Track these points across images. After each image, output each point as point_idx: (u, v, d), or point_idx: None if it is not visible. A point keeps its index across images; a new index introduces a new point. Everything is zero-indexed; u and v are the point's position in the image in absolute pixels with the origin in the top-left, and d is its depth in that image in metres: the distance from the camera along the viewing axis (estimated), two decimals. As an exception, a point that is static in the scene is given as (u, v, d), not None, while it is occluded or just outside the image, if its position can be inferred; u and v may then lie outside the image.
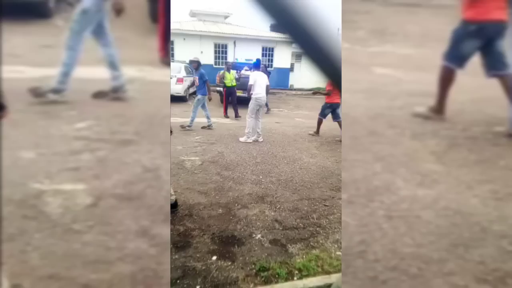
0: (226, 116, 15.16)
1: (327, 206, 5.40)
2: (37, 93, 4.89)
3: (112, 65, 5.18)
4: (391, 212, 3.07)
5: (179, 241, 4.08)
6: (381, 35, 8.41)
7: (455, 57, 4.68)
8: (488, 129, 4.57)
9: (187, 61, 19.57)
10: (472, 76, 4.76)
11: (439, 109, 4.85)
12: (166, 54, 6.92)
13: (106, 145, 3.96)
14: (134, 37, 7.31)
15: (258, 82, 10.26)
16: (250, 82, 10.41)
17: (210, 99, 12.23)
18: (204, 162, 7.49)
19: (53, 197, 3.11)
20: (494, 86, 4.58)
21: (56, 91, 4.95)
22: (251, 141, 9.98)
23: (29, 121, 4.37)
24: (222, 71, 16.69)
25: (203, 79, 11.52)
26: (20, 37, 7.14)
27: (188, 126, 11.28)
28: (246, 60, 20.33)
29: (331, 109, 10.94)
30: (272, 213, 5.05)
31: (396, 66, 6.78)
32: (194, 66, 11.81)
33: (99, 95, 5.13)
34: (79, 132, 4.20)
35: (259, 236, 4.36)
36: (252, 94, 10.27)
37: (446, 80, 4.78)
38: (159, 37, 7.02)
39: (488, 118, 4.89)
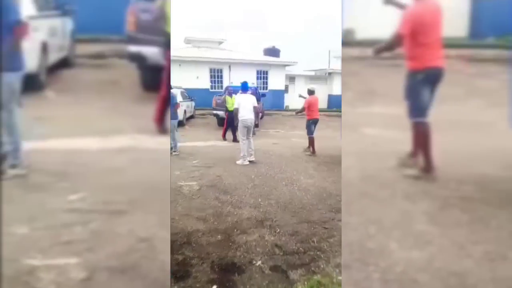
0: (224, 139, 15.07)
1: (327, 228, 5.23)
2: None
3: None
4: (386, 275, 3.06)
5: (178, 271, 3.91)
6: (370, 96, 8.55)
7: (419, 109, 4.88)
8: (479, 188, 4.61)
9: (183, 87, 19.92)
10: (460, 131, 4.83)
11: (427, 167, 4.90)
12: (162, 123, 7.00)
13: (99, 216, 3.95)
14: (126, 105, 7.39)
15: (243, 104, 10.50)
16: (235, 106, 10.80)
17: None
18: (202, 187, 7.40)
19: (46, 273, 3.07)
20: (478, 143, 4.64)
21: (14, 166, 4.92)
22: (247, 162, 10.15)
23: (21, 195, 4.36)
24: (222, 95, 16.88)
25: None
26: (12, 110, 7.19)
27: (174, 151, 11.32)
28: (241, 83, 20.69)
29: (314, 124, 11.63)
30: (272, 238, 4.91)
31: (385, 126, 6.86)
32: None
33: None
34: (72, 205, 4.19)
35: (259, 262, 4.22)
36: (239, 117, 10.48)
37: (423, 135, 4.89)
38: (158, 107, 7.11)
39: (478, 175, 4.95)
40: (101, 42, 11.31)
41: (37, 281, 2.98)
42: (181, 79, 25.74)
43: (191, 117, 20.64)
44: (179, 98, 18.55)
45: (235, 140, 14.56)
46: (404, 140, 5.81)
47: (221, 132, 16.26)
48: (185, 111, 19.12)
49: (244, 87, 11.39)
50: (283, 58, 34.92)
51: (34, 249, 3.37)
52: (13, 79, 4.83)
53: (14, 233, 3.61)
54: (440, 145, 4.98)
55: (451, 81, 5.16)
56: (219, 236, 4.95)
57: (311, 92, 12.35)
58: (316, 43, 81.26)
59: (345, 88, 9.22)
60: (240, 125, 10.50)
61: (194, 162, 10.11)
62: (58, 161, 5.28)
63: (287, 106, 32.50)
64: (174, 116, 11.66)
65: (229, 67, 30.47)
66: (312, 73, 34.84)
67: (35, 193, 4.44)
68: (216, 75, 30.60)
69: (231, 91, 16.58)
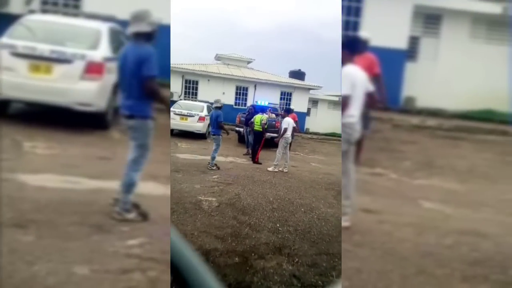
0: (258, 162, 14.25)
1: (347, 263, 5.16)
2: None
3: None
4: None
5: None
6: (428, 167, 8.47)
7: None
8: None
9: (210, 101, 20.35)
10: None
11: None
12: None
13: (157, 265, 4.00)
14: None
15: (289, 125, 12.81)
16: (284, 126, 12.88)
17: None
18: (221, 204, 7.44)
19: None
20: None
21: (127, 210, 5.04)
22: (277, 170, 12.49)
23: (85, 234, 4.46)
24: (245, 113, 17.29)
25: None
26: (77, 147, 7.45)
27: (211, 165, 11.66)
28: (269, 103, 20.70)
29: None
30: (290, 267, 4.86)
31: (443, 200, 6.77)
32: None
33: None
34: (130, 250, 4.27)
35: None
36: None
37: None
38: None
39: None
40: (166, 87, 11.64)
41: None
42: (209, 94, 27.52)
43: None
44: (205, 112, 18.91)
45: (253, 160, 14.37)
46: (462, 218, 5.73)
47: (241, 150, 16.58)
48: (208, 125, 19.33)
49: (289, 111, 14.62)
50: (308, 81, 35.56)
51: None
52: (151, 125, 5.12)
53: (75, 273, 3.70)
54: None
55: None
56: (236, 259, 4.98)
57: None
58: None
59: (403, 157, 9.17)
60: (283, 141, 12.70)
61: (214, 177, 10.19)
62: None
63: (307, 129, 32.78)
64: (216, 131, 12.12)
65: (255, 86, 31.49)
66: (336, 99, 34.73)
67: (97, 235, 4.53)
68: (241, 93, 31.71)
69: (256, 109, 17.04)
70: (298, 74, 36.69)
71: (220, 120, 11.91)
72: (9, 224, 4.37)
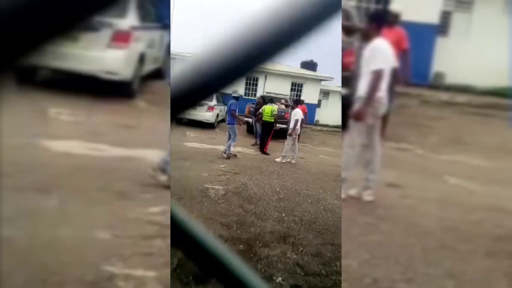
0: (266, 152, 14.27)
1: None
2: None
3: None
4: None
5: (199, 276, 3.90)
6: (455, 144, 8.34)
7: None
8: None
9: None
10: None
11: None
12: None
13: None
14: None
15: (297, 116, 12.65)
16: (295, 117, 12.69)
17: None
18: (227, 192, 7.44)
19: (125, 282, 3.15)
20: None
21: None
22: (285, 161, 12.43)
23: (108, 200, 4.51)
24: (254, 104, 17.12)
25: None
26: (102, 115, 7.48)
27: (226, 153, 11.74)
28: (295, 99, 20.74)
29: None
30: (294, 256, 4.83)
31: (469, 177, 6.67)
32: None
33: None
34: (152, 217, 4.29)
35: (279, 279, 4.16)
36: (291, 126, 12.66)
37: None
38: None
39: None
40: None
41: None
42: None
43: (222, 120, 20.90)
44: (214, 102, 18.91)
45: (262, 151, 14.34)
46: (488, 195, 5.64)
47: (250, 140, 16.40)
48: (217, 115, 19.73)
49: (299, 102, 14.58)
50: (320, 72, 34.88)
51: (115, 257, 3.46)
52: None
53: (97, 237, 3.74)
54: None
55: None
56: (241, 246, 4.97)
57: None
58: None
59: (430, 132, 9.04)
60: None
61: (221, 166, 10.18)
62: (140, 170, 5.41)
63: (317, 121, 32.50)
64: (231, 120, 12.20)
65: (265, 76, 30.87)
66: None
67: (120, 201, 4.57)
68: (251, 83, 31.20)
69: (261, 100, 16.92)
70: (310, 65, 35.97)
71: (233, 109, 12.04)
72: (33, 189, 4.42)
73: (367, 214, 5.03)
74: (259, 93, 28.01)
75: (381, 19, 5.53)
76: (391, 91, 6.00)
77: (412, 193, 5.86)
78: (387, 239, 4.39)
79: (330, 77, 32.78)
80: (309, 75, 32.81)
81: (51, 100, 7.68)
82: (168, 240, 3.87)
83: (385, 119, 6.01)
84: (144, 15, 9.01)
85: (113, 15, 8.18)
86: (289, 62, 31.90)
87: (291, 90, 31.50)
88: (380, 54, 5.08)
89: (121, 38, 8.21)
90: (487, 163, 7.56)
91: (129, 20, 8.42)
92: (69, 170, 5.08)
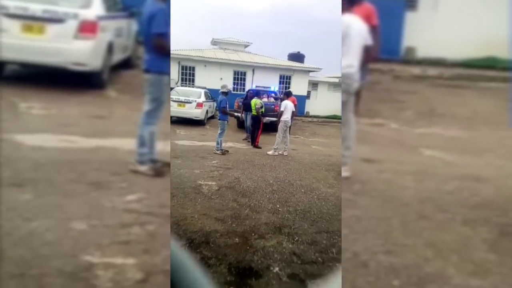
0: (257, 146, 14.32)
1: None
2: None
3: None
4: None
5: None
6: (429, 116, 8.41)
7: None
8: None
9: (207, 87, 20.97)
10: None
11: None
12: None
13: (155, 219, 3.99)
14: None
15: (287, 108, 12.62)
16: (281, 109, 12.78)
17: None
18: (221, 188, 7.42)
19: (104, 271, 3.13)
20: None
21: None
22: (277, 153, 12.38)
23: (83, 191, 4.46)
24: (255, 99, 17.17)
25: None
26: (73, 107, 7.39)
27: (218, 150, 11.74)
28: (286, 91, 20.78)
29: None
30: (290, 245, 4.86)
31: (444, 148, 6.74)
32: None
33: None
34: (129, 205, 4.26)
35: (277, 269, 4.17)
36: (281, 118, 12.62)
37: None
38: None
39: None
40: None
41: (95, 278, 3.03)
42: (206, 80, 27.62)
43: (212, 117, 20.90)
44: (202, 98, 18.87)
45: (253, 144, 14.38)
46: (463, 164, 5.70)
47: (240, 135, 16.49)
48: (207, 111, 19.63)
49: (288, 94, 14.32)
50: (307, 63, 35.00)
51: (92, 246, 3.43)
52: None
53: (73, 228, 3.69)
54: None
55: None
56: (236, 239, 4.97)
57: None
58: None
59: (403, 107, 9.11)
60: (282, 125, 12.57)
61: (213, 162, 10.15)
62: (114, 160, 5.37)
63: (307, 112, 32.55)
64: (222, 117, 12.16)
65: (253, 70, 31.03)
66: (336, 80, 34.21)
67: (95, 191, 4.52)
68: (239, 78, 31.18)
69: (252, 94, 16.75)
70: (297, 57, 35.96)
71: (223, 105, 11.94)
72: (7, 183, 4.36)
73: (344, 190, 5.05)
74: (248, 87, 28.00)
75: None
76: (364, 68, 6.01)
77: (388, 167, 5.90)
78: (365, 214, 4.42)
79: (318, 68, 32.93)
80: (297, 66, 32.82)
81: (21, 95, 7.55)
82: (147, 227, 3.85)
83: (358, 95, 6.02)
84: (110, 4, 8.88)
85: (78, 5, 8.04)
86: (276, 54, 31.95)
87: (280, 83, 31.50)
88: (353, 30, 5.10)
89: (87, 28, 8.07)
90: (461, 133, 7.65)
91: (95, 9, 8.27)
92: (42, 163, 5.02)
